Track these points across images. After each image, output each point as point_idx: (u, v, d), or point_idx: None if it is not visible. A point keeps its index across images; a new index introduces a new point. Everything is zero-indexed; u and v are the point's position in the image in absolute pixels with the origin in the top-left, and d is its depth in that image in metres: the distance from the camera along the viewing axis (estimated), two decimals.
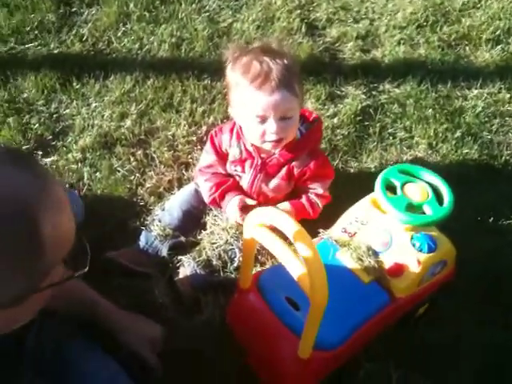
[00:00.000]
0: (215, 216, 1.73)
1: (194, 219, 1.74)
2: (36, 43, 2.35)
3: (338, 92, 2.27)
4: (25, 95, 2.15)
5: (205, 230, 1.72)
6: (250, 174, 1.70)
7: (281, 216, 1.18)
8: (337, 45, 2.48)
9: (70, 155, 1.97)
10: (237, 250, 1.64)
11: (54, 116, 2.10)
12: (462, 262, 1.61)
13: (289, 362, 1.37)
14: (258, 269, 1.64)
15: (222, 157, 1.74)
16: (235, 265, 1.65)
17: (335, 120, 2.15)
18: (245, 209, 1.67)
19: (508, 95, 2.30)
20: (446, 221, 1.50)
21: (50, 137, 2.04)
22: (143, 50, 2.36)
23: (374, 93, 2.28)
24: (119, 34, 2.41)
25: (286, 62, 1.54)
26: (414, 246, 1.50)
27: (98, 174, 1.93)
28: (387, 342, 1.54)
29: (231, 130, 1.71)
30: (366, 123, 2.16)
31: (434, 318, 1.64)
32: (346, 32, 2.51)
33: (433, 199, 1.51)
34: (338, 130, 2.12)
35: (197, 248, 1.69)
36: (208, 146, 1.76)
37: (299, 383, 1.42)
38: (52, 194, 0.85)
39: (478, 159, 2.08)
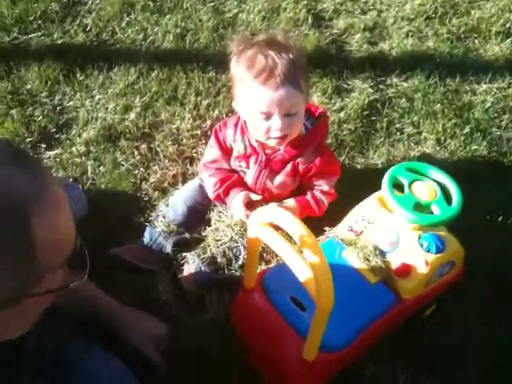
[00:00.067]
0: (220, 212, 1.71)
1: (198, 215, 1.72)
2: (39, 33, 2.32)
3: (345, 85, 2.24)
4: (28, 86, 2.13)
5: (209, 226, 1.70)
6: (255, 170, 1.67)
7: (286, 216, 1.16)
8: (344, 37, 2.44)
9: (73, 148, 1.95)
10: (241, 248, 1.62)
11: (58, 108, 2.08)
12: (470, 261, 1.59)
13: (293, 363, 1.35)
14: (263, 267, 1.63)
15: (227, 152, 1.72)
16: (240, 262, 1.63)
17: (342, 114, 2.11)
18: (250, 205, 1.65)
19: None
20: (454, 220, 1.47)
21: (54, 129, 2.02)
22: (147, 40, 2.33)
23: (381, 86, 2.24)
24: (123, 25, 2.38)
25: (291, 56, 1.51)
26: (421, 246, 1.48)
27: (101, 167, 1.91)
28: (394, 343, 1.53)
29: (235, 125, 1.68)
30: (373, 118, 2.13)
31: (442, 319, 1.62)
32: (353, 23, 2.47)
33: (441, 198, 1.49)
34: (345, 125, 2.09)
35: (201, 245, 1.67)
36: (212, 140, 1.73)
37: None
38: (50, 195, 0.81)
39: (486, 156, 2.05)
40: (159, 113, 2.07)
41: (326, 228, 1.60)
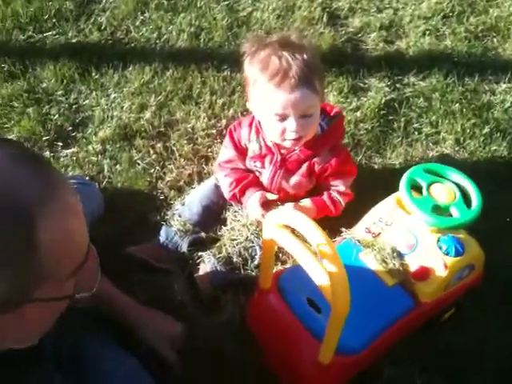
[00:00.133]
0: (235, 212, 1.70)
1: (214, 214, 1.72)
2: (54, 32, 2.32)
3: (361, 84, 2.22)
4: (44, 85, 2.13)
5: (225, 225, 1.70)
6: (270, 170, 1.66)
7: (302, 219, 1.14)
8: (359, 35, 2.41)
9: (89, 147, 1.95)
10: (257, 248, 1.61)
11: (74, 107, 2.08)
12: (489, 264, 1.57)
13: (309, 365, 1.34)
14: (279, 267, 1.62)
15: (242, 152, 1.71)
16: (256, 262, 1.62)
17: (358, 114, 2.09)
18: (266, 205, 1.64)
19: None
20: (473, 223, 1.45)
21: (70, 128, 2.02)
22: (162, 39, 2.32)
23: (398, 86, 2.22)
24: (137, 23, 2.37)
25: (305, 56, 1.49)
26: (440, 248, 1.46)
27: (118, 166, 1.91)
28: (411, 345, 1.51)
29: (250, 125, 1.67)
30: (391, 117, 2.11)
31: (460, 322, 1.60)
32: (369, 22, 2.44)
33: (460, 201, 1.46)
34: (362, 125, 2.07)
35: (217, 244, 1.67)
36: (227, 140, 1.72)
37: None
38: (61, 200, 0.79)
39: (507, 156, 2.01)
40: (174, 112, 2.07)
41: (343, 229, 1.58)
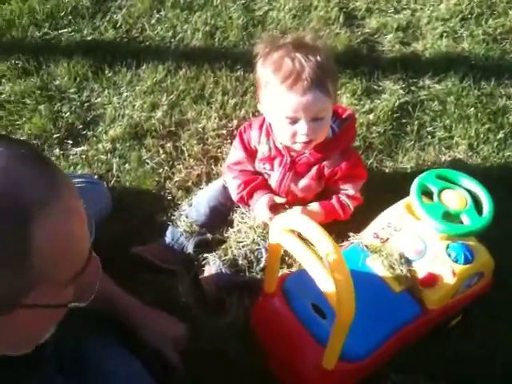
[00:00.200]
0: (243, 214, 1.69)
1: (221, 216, 1.71)
2: (69, 29, 2.32)
3: (375, 87, 2.19)
4: (57, 82, 2.14)
5: (232, 227, 1.69)
6: (279, 172, 1.65)
7: (309, 225, 1.13)
8: (376, 36, 2.38)
9: (99, 145, 1.95)
10: (263, 250, 1.60)
11: (86, 105, 2.08)
12: (499, 271, 1.54)
13: (312, 371, 1.33)
14: (285, 270, 1.60)
15: (251, 154, 1.69)
16: (261, 265, 1.61)
17: (371, 116, 2.07)
18: (274, 208, 1.63)
19: None
20: (484, 231, 1.42)
21: (81, 126, 2.02)
22: (176, 38, 2.31)
23: (413, 88, 2.19)
24: (153, 21, 2.36)
25: (319, 58, 1.47)
26: (449, 255, 1.43)
27: (126, 165, 1.91)
28: (417, 352, 1.49)
29: (260, 127, 1.66)
30: (404, 120, 2.08)
31: (468, 329, 1.58)
32: (385, 23, 2.41)
33: (471, 208, 1.44)
34: (374, 127, 2.04)
35: (223, 246, 1.66)
36: (237, 142, 1.71)
37: None
38: (63, 203, 0.77)
39: None
40: (186, 111, 2.06)
41: (351, 233, 1.56)
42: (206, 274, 1.63)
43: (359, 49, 2.33)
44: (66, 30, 2.32)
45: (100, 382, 1.27)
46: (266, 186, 1.68)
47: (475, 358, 1.52)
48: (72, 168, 1.88)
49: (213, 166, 1.91)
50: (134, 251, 1.63)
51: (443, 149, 2.01)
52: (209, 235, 1.68)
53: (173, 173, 1.89)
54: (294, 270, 1.59)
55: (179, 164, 1.91)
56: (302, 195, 1.68)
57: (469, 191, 1.48)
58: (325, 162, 1.62)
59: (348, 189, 1.65)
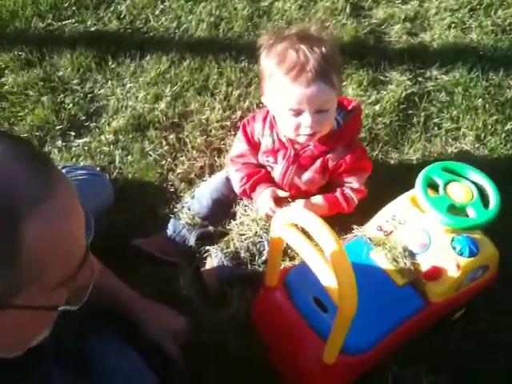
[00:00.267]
0: (245, 206, 1.68)
1: (223, 208, 1.69)
2: (73, 20, 2.31)
3: (382, 77, 2.16)
4: (60, 73, 2.13)
5: (234, 219, 1.67)
6: (283, 165, 1.63)
7: (311, 219, 1.10)
8: (383, 27, 2.35)
9: (102, 137, 1.94)
10: (266, 243, 1.58)
11: (89, 96, 2.07)
12: (503, 264, 1.51)
13: (313, 365, 1.31)
14: (287, 263, 1.59)
15: (254, 146, 1.67)
16: (263, 258, 1.59)
17: (377, 107, 2.04)
18: (277, 201, 1.61)
19: None
20: (490, 224, 1.40)
21: (84, 117, 2.01)
22: (181, 29, 2.30)
23: (420, 79, 2.16)
24: (157, 12, 2.35)
25: (324, 50, 1.44)
26: (454, 248, 1.41)
27: (129, 157, 1.90)
28: (419, 345, 1.48)
29: (264, 119, 1.64)
30: (410, 112, 2.05)
31: (471, 322, 1.56)
32: (393, 13, 2.38)
33: (477, 201, 1.41)
34: (380, 119, 2.01)
35: (225, 239, 1.64)
36: (240, 134, 1.69)
37: None
38: (57, 206, 0.74)
39: None
40: (189, 103, 2.04)
41: (355, 226, 1.54)
42: (207, 266, 1.62)
43: (366, 39, 2.30)
44: (69, 20, 2.31)
45: (103, 379, 1.25)
46: (268, 180, 1.66)
47: (478, 352, 1.51)
48: (74, 160, 1.87)
49: (216, 158, 1.89)
50: (135, 243, 1.62)
51: (450, 140, 1.98)
52: (211, 228, 1.67)
53: (175, 165, 1.88)
54: (296, 263, 1.57)
55: (182, 156, 1.90)
56: (305, 188, 1.66)
57: (475, 184, 1.45)
58: (329, 155, 1.60)
59: (352, 182, 1.63)
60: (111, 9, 2.35)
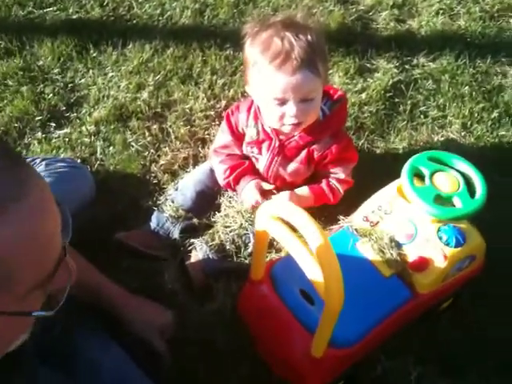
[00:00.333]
0: (230, 198, 1.65)
1: (207, 200, 1.66)
2: (55, 8, 2.26)
3: (369, 65, 2.13)
4: (40, 63, 2.08)
5: (219, 211, 1.64)
6: (267, 156, 1.60)
7: (296, 212, 1.08)
8: (370, 14, 2.32)
9: (83, 128, 1.90)
10: (251, 235, 1.56)
11: (69, 86, 2.02)
12: (490, 254, 1.49)
13: (301, 359, 1.30)
14: (274, 255, 1.57)
15: (239, 137, 1.64)
16: (249, 250, 1.57)
17: (363, 96, 2.02)
18: (262, 193, 1.58)
19: None
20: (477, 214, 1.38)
21: (64, 108, 1.96)
22: (164, 16, 2.25)
23: (406, 67, 2.14)
24: None
25: (309, 38, 1.41)
26: (440, 239, 1.39)
27: (111, 148, 1.86)
28: (406, 336, 1.47)
29: (248, 109, 1.60)
30: (397, 100, 2.03)
31: (458, 312, 1.55)
32: (381, 0, 2.35)
33: (464, 191, 1.39)
34: (366, 107, 1.99)
35: (210, 231, 1.61)
36: (224, 125, 1.66)
37: (311, 380, 1.35)
38: (26, 206, 0.69)
39: None
40: (172, 92, 2.01)
41: (341, 217, 1.52)
42: (192, 259, 1.59)
43: (353, 26, 2.28)
44: (51, 8, 2.26)
45: (87, 374, 1.24)
46: (253, 171, 1.63)
47: (465, 342, 1.50)
48: (55, 151, 1.83)
49: (200, 149, 1.86)
50: (117, 237, 1.59)
51: (436, 128, 1.96)
52: (195, 220, 1.64)
53: (159, 156, 1.84)
54: (282, 254, 1.55)
55: (165, 147, 1.86)
56: (290, 180, 1.63)
57: (461, 173, 1.44)
58: (314, 146, 1.57)
59: (338, 172, 1.61)
60: None
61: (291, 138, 1.57)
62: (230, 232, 1.58)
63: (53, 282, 0.76)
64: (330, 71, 2.06)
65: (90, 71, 2.06)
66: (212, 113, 1.94)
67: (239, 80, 2.03)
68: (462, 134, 1.95)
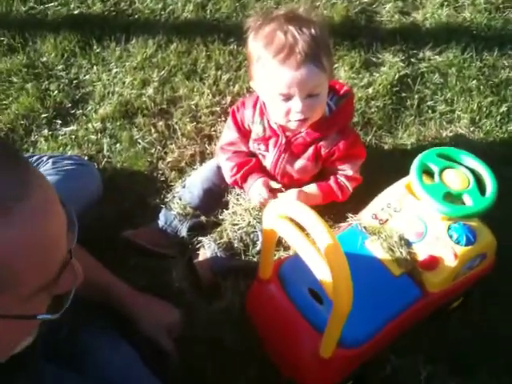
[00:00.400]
0: (238, 195, 1.64)
1: (215, 197, 1.65)
2: (56, 3, 2.24)
3: (374, 59, 2.11)
4: (44, 59, 2.06)
5: (227, 209, 1.64)
6: (274, 153, 1.59)
7: (304, 212, 1.07)
8: (374, 6, 2.30)
9: (89, 125, 1.89)
10: (259, 233, 1.55)
11: (74, 82, 2.01)
12: (501, 251, 1.49)
13: (309, 359, 1.29)
14: (282, 253, 1.56)
15: (245, 134, 1.63)
16: (257, 248, 1.56)
17: (370, 90, 2.00)
18: (269, 191, 1.57)
19: None
20: (487, 212, 1.37)
21: (70, 105, 1.95)
22: (167, 10, 2.23)
23: (412, 60, 2.11)
24: None
25: (313, 31, 1.39)
26: (450, 237, 1.38)
27: (118, 145, 1.85)
28: (416, 335, 1.46)
29: (254, 105, 1.59)
30: (404, 94, 2.01)
31: (469, 312, 1.54)
32: None
33: (474, 188, 1.38)
34: (373, 102, 1.97)
35: (218, 229, 1.61)
36: (230, 121, 1.64)
37: (320, 381, 1.35)
38: (29, 208, 0.68)
39: None
40: (177, 88, 1.99)
41: (349, 214, 1.51)
42: (200, 258, 1.58)
43: (357, 19, 2.25)
44: (52, 3, 2.24)
45: (96, 373, 1.23)
46: (260, 169, 1.62)
47: (475, 341, 1.49)
48: (61, 149, 1.82)
49: (206, 145, 1.84)
50: (124, 235, 1.58)
51: (444, 123, 1.94)
52: (203, 218, 1.63)
53: (165, 153, 1.83)
54: (290, 253, 1.54)
55: (172, 143, 1.85)
56: (298, 177, 1.62)
57: (471, 170, 1.42)
58: (322, 142, 1.56)
59: (346, 169, 1.60)
60: None
61: (298, 134, 1.56)
62: (238, 230, 1.57)
63: (58, 284, 0.75)
64: (336, 65, 2.05)
65: (95, 67, 2.04)
66: (218, 109, 1.93)
67: (244, 75, 2.01)
68: (471, 129, 1.93)
